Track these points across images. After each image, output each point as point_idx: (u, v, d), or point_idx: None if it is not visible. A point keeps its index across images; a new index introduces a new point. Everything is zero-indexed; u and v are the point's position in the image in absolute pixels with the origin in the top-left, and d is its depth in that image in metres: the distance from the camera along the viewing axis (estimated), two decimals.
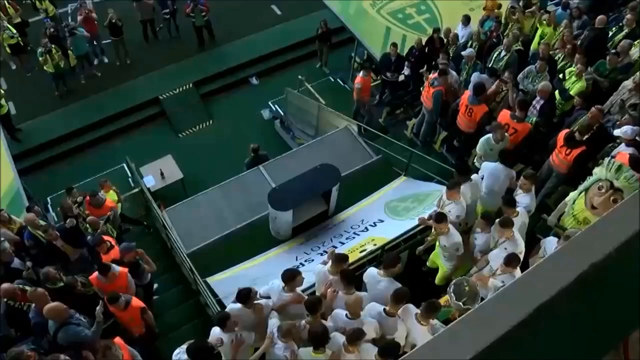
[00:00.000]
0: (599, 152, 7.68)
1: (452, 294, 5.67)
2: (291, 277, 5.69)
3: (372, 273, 6.00)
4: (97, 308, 6.19)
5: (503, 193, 7.44)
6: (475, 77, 9.53)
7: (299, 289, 5.78)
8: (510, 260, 5.80)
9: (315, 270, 6.24)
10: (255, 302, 5.69)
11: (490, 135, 8.09)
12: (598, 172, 6.63)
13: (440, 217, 6.43)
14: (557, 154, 7.71)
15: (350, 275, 5.67)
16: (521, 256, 6.14)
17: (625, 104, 8.10)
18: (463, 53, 10.28)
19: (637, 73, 8.14)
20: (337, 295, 5.64)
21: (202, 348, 4.94)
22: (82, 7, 13.92)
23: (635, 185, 6.22)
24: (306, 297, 5.76)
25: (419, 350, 1.53)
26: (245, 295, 5.60)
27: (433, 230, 7.02)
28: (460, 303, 5.61)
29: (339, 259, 5.92)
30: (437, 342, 1.52)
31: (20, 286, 6.69)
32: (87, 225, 8.30)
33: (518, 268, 5.89)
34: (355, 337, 4.92)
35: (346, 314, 5.32)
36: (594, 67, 9.06)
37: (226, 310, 5.77)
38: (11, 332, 6.58)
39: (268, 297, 5.90)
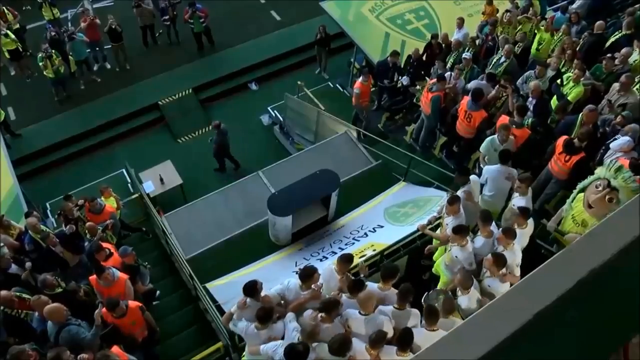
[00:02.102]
0: (596, 154, 7.67)
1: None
2: (309, 275, 5.67)
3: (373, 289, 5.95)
4: (96, 312, 6.19)
5: (506, 194, 7.45)
6: (473, 83, 9.56)
7: (314, 285, 5.76)
8: (497, 258, 5.78)
9: (324, 267, 6.24)
10: (263, 294, 5.71)
11: (495, 135, 8.11)
12: (599, 171, 6.64)
13: (458, 229, 6.30)
14: (556, 161, 7.71)
15: (358, 285, 5.65)
16: (517, 270, 6.08)
17: (613, 105, 8.17)
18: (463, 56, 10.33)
19: (624, 75, 8.17)
20: (342, 298, 5.64)
21: (297, 351, 4.83)
22: (85, 14, 13.97)
23: (632, 186, 6.23)
24: (322, 292, 5.75)
25: (426, 352, 1.55)
26: (251, 288, 5.61)
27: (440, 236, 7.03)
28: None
29: (344, 260, 5.95)
30: (441, 345, 1.52)
31: (17, 294, 6.67)
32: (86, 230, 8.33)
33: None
34: (378, 340, 4.91)
35: (359, 311, 5.30)
36: (591, 71, 9.09)
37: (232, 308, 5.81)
38: (10, 339, 6.55)
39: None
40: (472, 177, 7.37)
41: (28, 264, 7.46)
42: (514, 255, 6.06)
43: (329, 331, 5.15)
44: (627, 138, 7.16)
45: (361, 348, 4.99)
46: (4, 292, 6.53)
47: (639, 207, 1.81)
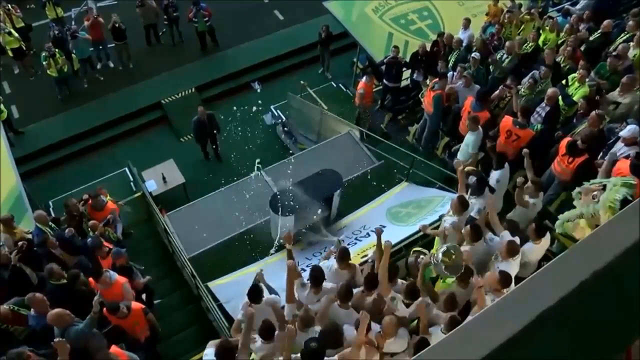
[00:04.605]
0: (597, 156, 7.63)
1: (440, 254, 5.58)
2: (321, 279, 5.76)
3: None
4: (95, 298, 6.18)
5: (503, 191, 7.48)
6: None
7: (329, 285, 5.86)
8: (503, 278, 5.61)
9: (323, 266, 6.27)
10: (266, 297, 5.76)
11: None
12: (616, 178, 6.55)
13: (473, 227, 6.32)
14: (559, 162, 7.68)
15: (373, 280, 5.70)
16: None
17: (607, 101, 8.20)
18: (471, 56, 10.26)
19: (626, 76, 8.14)
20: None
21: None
22: (89, 13, 14.00)
23: (616, 196, 6.07)
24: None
25: (427, 352, 1.55)
26: (256, 293, 5.64)
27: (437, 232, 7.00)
28: (442, 264, 5.53)
29: (342, 255, 6.06)
30: (443, 345, 1.52)
31: (15, 308, 6.52)
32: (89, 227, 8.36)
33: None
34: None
35: (379, 331, 5.28)
36: (595, 69, 9.05)
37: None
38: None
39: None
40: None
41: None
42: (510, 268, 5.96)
43: None
44: (634, 125, 7.16)
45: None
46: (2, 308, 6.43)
47: (639, 211, 1.80)
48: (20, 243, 7.50)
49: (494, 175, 7.55)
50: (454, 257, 5.53)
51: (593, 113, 7.81)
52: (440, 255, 5.56)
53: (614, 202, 6.03)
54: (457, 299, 5.58)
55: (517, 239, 6.26)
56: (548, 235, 6.47)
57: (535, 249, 6.35)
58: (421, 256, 6.36)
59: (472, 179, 7.28)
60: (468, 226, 6.39)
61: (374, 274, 5.86)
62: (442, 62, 10.73)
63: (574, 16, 10.76)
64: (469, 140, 8.60)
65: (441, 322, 5.40)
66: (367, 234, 8.71)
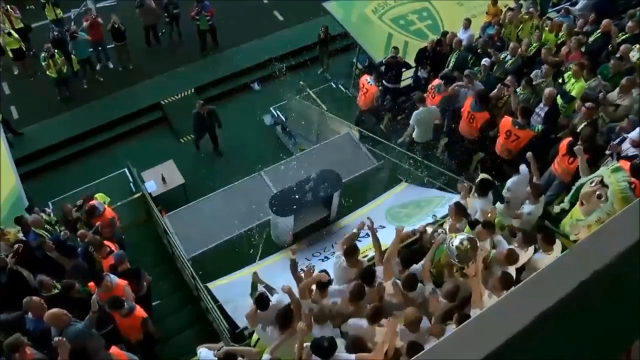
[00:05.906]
0: (599, 156, 7.63)
1: (457, 241, 5.56)
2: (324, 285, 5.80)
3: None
4: (93, 297, 6.18)
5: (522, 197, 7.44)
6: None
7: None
8: (504, 278, 5.59)
9: (334, 264, 6.33)
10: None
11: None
12: (600, 170, 6.62)
13: (486, 224, 6.27)
14: (559, 163, 7.67)
15: (370, 273, 5.79)
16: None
17: (607, 102, 8.22)
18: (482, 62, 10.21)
19: (625, 78, 8.14)
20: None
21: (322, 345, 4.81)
22: (89, 13, 14.00)
23: (621, 184, 6.16)
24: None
25: (428, 352, 1.55)
26: (264, 301, 5.66)
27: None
28: (455, 250, 5.51)
29: (350, 252, 6.13)
30: (444, 346, 1.52)
31: None
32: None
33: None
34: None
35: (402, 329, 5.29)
36: (598, 71, 9.04)
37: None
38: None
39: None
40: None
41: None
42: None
43: None
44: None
45: None
46: None
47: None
48: (16, 246, 7.48)
49: (507, 184, 7.40)
50: (468, 249, 5.51)
51: (583, 107, 7.83)
52: (456, 241, 5.54)
53: (623, 191, 6.05)
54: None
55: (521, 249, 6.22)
56: (559, 242, 6.26)
57: (545, 260, 6.07)
58: (439, 230, 6.31)
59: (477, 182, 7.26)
60: (480, 225, 6.31)
61: (371, 268, 5.89)
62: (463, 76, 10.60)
63: (581, 21, 10.74)
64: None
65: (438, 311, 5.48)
66: (367, 234, 8.68)
